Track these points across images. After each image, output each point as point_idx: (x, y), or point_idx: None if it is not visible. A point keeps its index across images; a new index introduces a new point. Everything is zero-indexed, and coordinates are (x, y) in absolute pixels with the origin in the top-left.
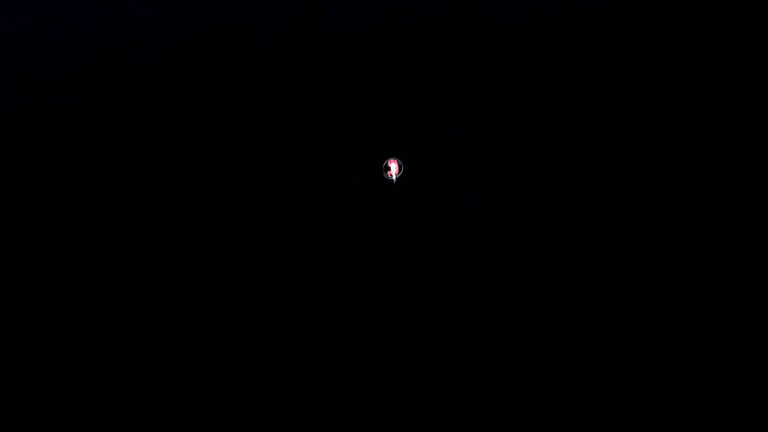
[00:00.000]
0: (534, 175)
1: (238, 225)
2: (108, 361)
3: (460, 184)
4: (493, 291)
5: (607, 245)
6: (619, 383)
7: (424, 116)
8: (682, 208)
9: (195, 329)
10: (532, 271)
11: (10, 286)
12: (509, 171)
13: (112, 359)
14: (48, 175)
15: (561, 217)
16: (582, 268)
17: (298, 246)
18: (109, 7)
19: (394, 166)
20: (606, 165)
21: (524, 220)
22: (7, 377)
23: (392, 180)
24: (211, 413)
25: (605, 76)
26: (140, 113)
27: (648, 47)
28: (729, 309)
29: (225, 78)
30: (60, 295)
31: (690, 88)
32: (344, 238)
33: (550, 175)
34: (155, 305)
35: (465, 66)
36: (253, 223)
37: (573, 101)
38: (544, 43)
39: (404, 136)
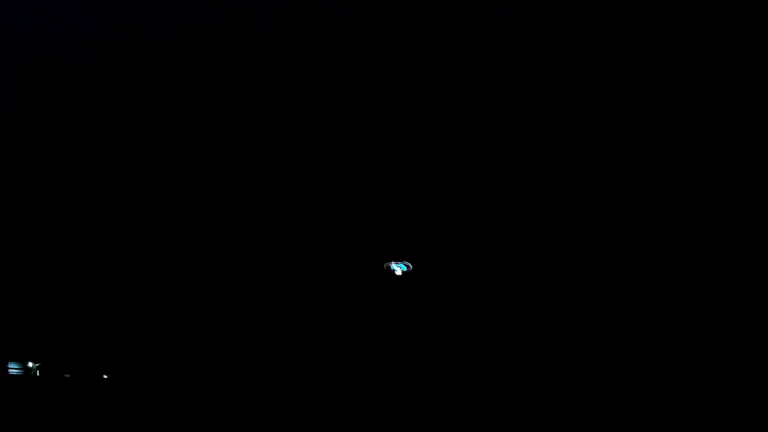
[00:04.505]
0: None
1: (236, 221)
2: (102, 358)
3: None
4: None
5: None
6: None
7: (419, 115)
8: (675, 209)
9: (184, 326)
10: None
11: (11, 281)
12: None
13: (106, 355)
14: (49, 172)
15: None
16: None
17: (293, 244)
18: (109, 8)
19: (399, 272)
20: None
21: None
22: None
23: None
24: (200, 409)
25: (602, 77)
26: (140, 112)
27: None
28: (729, 309)
29: (225, 77)
30: (62, 287)
31: (665, 97)
32: (340, 237)
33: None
34: (148, 300)
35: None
36: (251, 221)
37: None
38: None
39: (401, 135)
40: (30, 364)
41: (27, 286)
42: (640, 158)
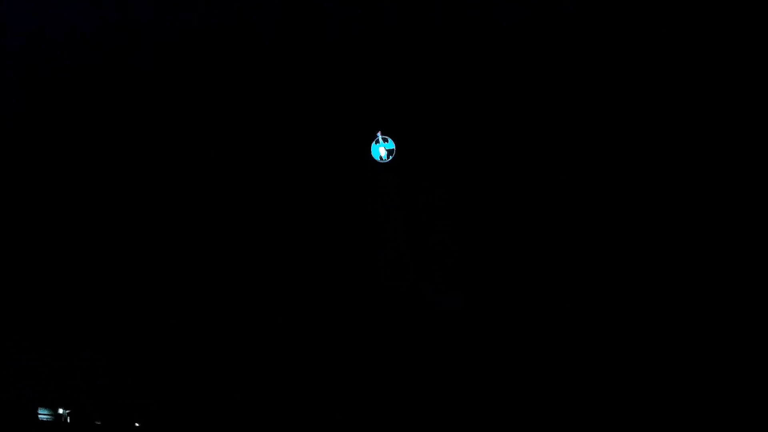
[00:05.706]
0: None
1: (236, 219)
2: (101, 357)
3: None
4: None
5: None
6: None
7: (419, 115)
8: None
9: (185, 326)
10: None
11: (11, 280)
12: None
13: (105, 356)
14: (49, 171)
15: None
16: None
17: (293, 244)
18: (109, 8)
19: (384, 152)
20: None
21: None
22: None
23: (383, 159)
24: (201, 409)
25: (599, 77)
26: (140, 112)
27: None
28: (729, 309)
29: (225, 76)
30: (62, 287)
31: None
32: (338, 233)
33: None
34: (148, 300)
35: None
36: (251, 218)
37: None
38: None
39: (395, 129)
40: (60, 411)
41: (26, 285)
42: (640, 158)
